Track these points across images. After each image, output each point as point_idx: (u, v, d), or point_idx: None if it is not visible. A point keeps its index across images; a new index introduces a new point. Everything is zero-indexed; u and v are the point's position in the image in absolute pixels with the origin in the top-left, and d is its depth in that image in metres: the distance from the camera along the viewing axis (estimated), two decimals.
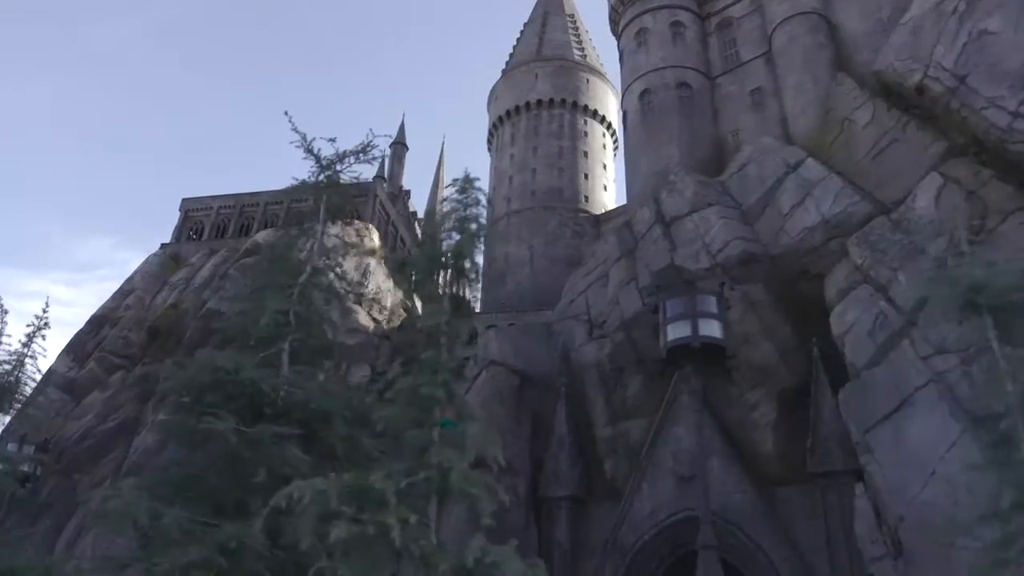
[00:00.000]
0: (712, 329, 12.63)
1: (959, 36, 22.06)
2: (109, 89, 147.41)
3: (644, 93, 31.34)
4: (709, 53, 32.00)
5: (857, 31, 28.18)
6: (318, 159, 11.29)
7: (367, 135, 11.42)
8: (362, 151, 11.44)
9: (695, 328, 12.36)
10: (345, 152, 11.31)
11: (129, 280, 40.39)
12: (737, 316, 23.23)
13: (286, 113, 10.57)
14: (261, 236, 38.52)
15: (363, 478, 5.68)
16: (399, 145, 58.73)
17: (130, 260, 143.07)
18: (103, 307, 39.11)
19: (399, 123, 61.98)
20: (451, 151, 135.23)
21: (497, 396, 25.39)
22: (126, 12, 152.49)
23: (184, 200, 44.78)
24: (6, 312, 16.80)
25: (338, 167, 11.56)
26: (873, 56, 27.00)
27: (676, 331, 13.31)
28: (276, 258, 11.56)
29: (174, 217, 43.93)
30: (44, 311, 17.49)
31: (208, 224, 43.48)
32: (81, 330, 38.19)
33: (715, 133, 30.02)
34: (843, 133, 25.07)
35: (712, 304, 12.63)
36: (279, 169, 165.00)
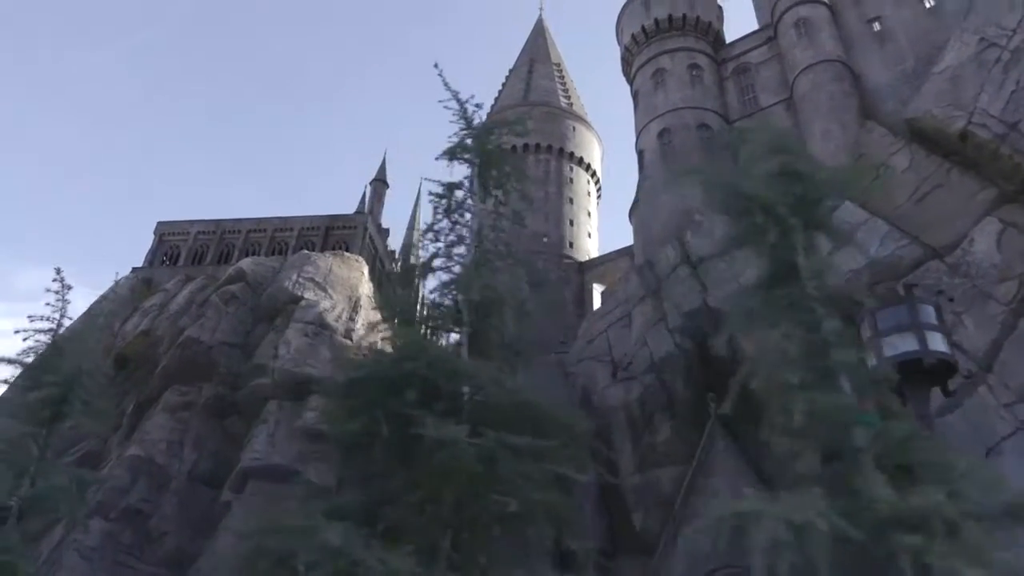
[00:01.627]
0: (939, 343, 10.98)
1: (1005, 85, 21.94)
2: (67, 116, 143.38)
3: (663, 132, 30.76)
4: (726, 97, 31.73)
5: (880, 81, 28.19)
6: (468, 122, 9.95)
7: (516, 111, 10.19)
8: (515, 122, 10.21)
9: (923, 341, 10.62)
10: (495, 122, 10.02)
11: (98, 303, 37.58)
12: (776, 358, 22.25)
13: (436, 65, 9.22)
14: (245, 263, 36.43)
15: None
16: (379, 182, 57.23)
17: (72, 295, 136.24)
18: (66, 331, 36.13)
19: (380, 159, 60.20)
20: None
21: None
22: (98, 41, 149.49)
23: (159, 223, 42.33)
24: None
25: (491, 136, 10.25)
26: (899, 105, 26.97)
27: (897, 345, 11.59)
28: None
29: (124, 249, 41.74)
30: None
31: (184, 249, 41.04)
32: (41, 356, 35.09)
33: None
34: (880, 178, 24.62)
35: (931, 315, 10.97)
36: (250, 201, 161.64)
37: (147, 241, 41.96)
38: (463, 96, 11.26)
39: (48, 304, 13.61)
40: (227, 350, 32.39)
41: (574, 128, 61.36)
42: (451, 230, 11.16)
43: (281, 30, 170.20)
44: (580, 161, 60.28)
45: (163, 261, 41.19)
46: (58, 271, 13.63)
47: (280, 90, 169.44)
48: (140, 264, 40.70)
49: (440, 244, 11.19)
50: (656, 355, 23.76)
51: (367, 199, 58.75)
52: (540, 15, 74.88)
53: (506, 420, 7.11)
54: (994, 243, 19.55)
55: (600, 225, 60.28)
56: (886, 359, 11.11)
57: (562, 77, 67.21)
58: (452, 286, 10.00)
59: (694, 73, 31.80)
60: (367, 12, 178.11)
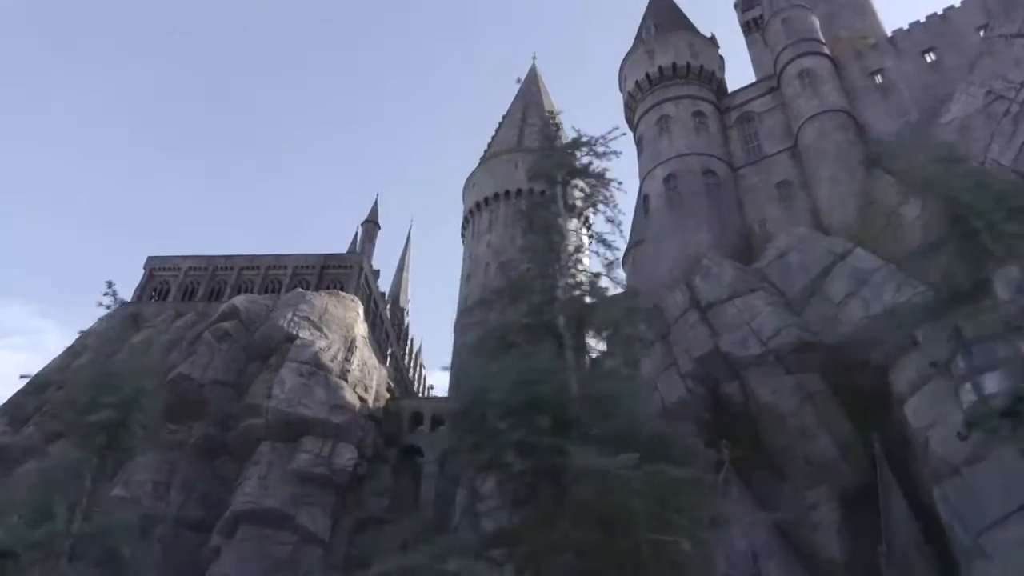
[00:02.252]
0: None
1: (1016, 136, 22.19)
2: (55, 149, 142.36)
3: (669, 178, 30.81)
4: (730, 145, 31.94)
5: (885, 131, 28.51)
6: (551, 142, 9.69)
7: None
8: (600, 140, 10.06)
9: None
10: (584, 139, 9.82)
11: (82, 338, 36.45)
12: (793, 408, 21.92)
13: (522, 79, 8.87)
14: (239, 300, 35.66)
15: None
16: (371, 224, 56.92)
17: (46, 329, 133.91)
18: (49, 367, 35.03)
19: (372, 202, 59.99)
20: (418, 235, 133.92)
21: None
22: (87, 75, 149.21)
23: (150, 258, 41.48)
24: None
25: (578, 154, 10.06)
26: (906, 155, 27.20)
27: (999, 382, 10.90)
28: None
29: (98, 286, 40.45)
30: None
31: (175, 285, 40.14)
32: (21, 391, 33.92)
33: (741, 222, 29.46)
34: (890, 225, 24.63)
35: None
36: (239, 239, 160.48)
37: (135, 276, 41.08)
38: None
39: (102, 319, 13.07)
40: (219, 388, 31.43)
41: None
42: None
43: (277, 70, 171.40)
44: (573, 207, 60.27)
45: (152, 296, 40.24)
46: (109, 284, 12.96)
47: (274, 129, 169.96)
48: (128, 299, 39.63)
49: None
50: (667, 401, 23.29)
51: (358, 240, 58.35)
52: (533, 63, 75.91)
53: (637, 449, 6.59)
54: (1015, 291, 19.41)
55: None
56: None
57: (556, 124, 67.67)
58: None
59: (698, 120, 32.04)
60: (362, 57, 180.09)
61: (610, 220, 13.34)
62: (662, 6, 38.36)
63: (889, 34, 31.90)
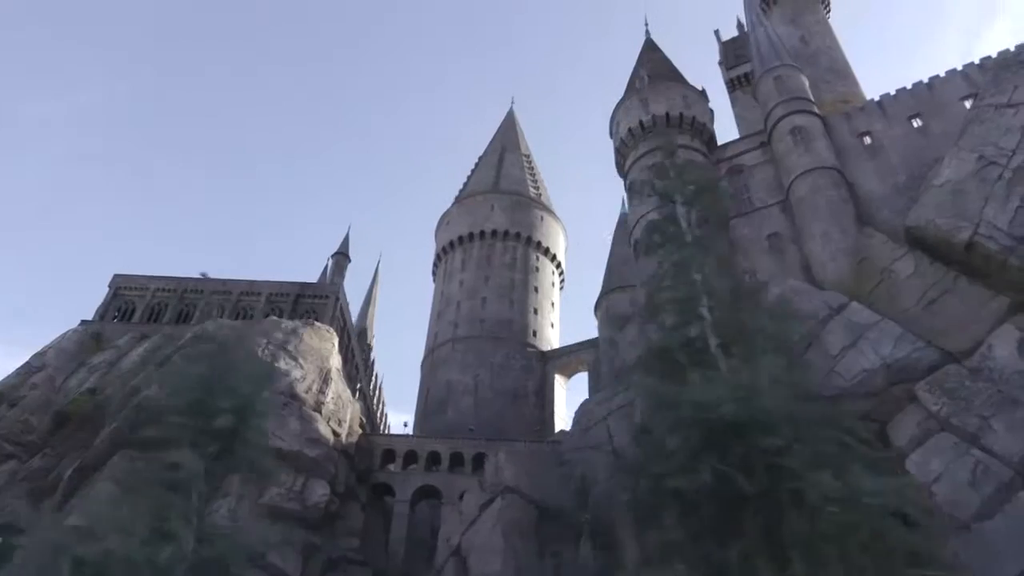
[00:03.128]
0: None
1: (1010, 200, 22.78)
2: (20, 166, 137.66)
3: None
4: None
5: (874, 191, 29.15)
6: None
7: None
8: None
9: None
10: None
11: (39, 355, 34.67)
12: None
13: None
14: (212, 325, 34.36)
15: None
16: (342, 256, 56.03)
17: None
18: (2, 383, 33.13)
19: (344, 234, 59.19)
20: (386, 270, 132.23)
21: (516, 529, 22.11)
22: (55, 93, 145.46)
23: (116, 276, 39.90)
24: None
25: None
26: (894, 215, 27.81)
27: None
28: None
29: (72, 302, 38.86)
30: None
31: (141, 306, 38.61)
32: None
33: (732, 271, 29.54)
34: (884, 282, 25.01)
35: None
36: (206, 263, 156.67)
37: (99, 294, 39.44)
38: None
39: None
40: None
41: (542, 218, 61.92)
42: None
43: (254, 94, 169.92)
44: (546, 251, 60.54)
45: (116, 316, 38.60)
46: (203, 275, 11.82)
47: (247, 155, 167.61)
48: (90, 318, 38.01)
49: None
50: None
51: (328, 271, 57.36)
52: (511, 107, 76.71)
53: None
54: (1015, 350, 19.73)
55: (562, 315, 60.15)
56: None
57: (531, 167, 68.31)
58: None
59: None
60: (342, 89, 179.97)
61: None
62: (654, 58, 39.11)
63: (874, 99, 32.80)
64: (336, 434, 31.98)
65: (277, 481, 28.04)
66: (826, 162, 29.79)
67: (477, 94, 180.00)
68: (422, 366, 54.85)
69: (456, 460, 34.60)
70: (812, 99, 33.18)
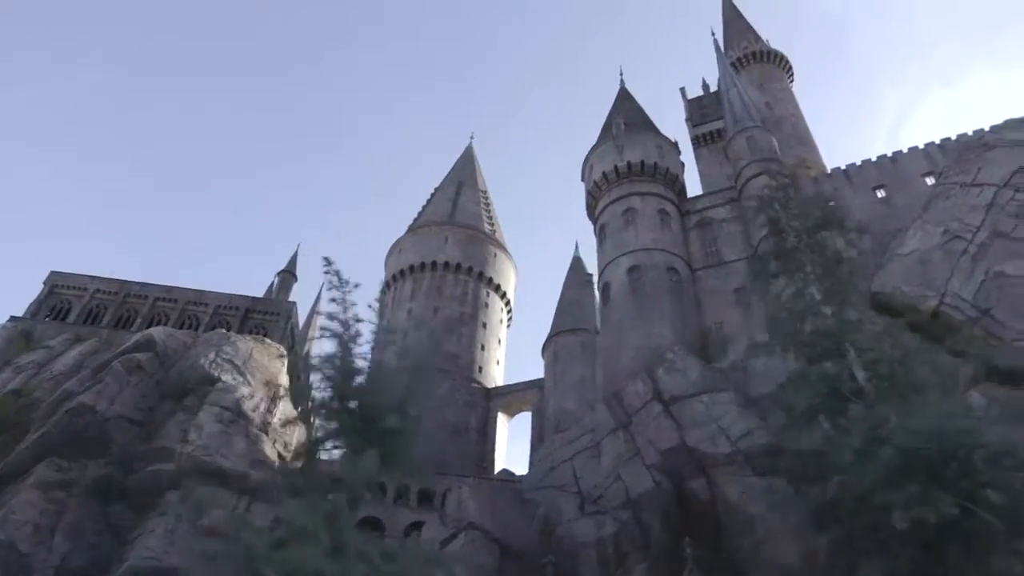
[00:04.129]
0: None
1: (975, 274, 23.79)
2: None
3: (633, 269, 31.13)
4: (690, 247, 32.80)
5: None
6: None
7: None
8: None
9: None
10: None
11: None
12: (763, 509, 21.74)
13: None
14: (157, 332, 32.62)
15: None
16: (288, 274, 54.43)
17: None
18: None
19: (293, 252, 57.69)
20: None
21: (479, 567, 21.32)
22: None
23: (52, 273, 37.57)
24: None
25: None
26: (859, 280, 28.69)
27: None
28: None
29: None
30: None
31: (78, 306, 36.36)
32: None
33: (699, 322, 29.98)
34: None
35: None
36: (147, 267, 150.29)
37: (32, 291, 37.07)
38: None
39: (333, 300, 10.73)
40: (125, 425, 28.13)
41: (495, 254, 61.79)
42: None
43: (212, 104, 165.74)
44: (497, 288, 60.32)
45: (49, 315, 36.30)
46: (327, 261, 10.81)
47: (200, 164, 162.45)
48: (20, 314, 35.65)
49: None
50: (633, 492, 22.61)
51: (274, 289, 55.67)
52: (470, 142, 76.97)
53: None
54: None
55: (507, 353, 59.83)
56: None
57: (487, 204, 68.36)
58: None
59: (663, 218, 32.89)
60: (301, 108, 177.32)
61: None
62: (629, 107, 39.87)
63: (840, 167, 34.09)
64: (282, 457, 30.51)
65: (219, 503, 26.53)
66: None
67: (435, 127, 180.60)
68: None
69: (401, 492, 33.46)
70: (781, 160, 34.26)
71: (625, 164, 34.88)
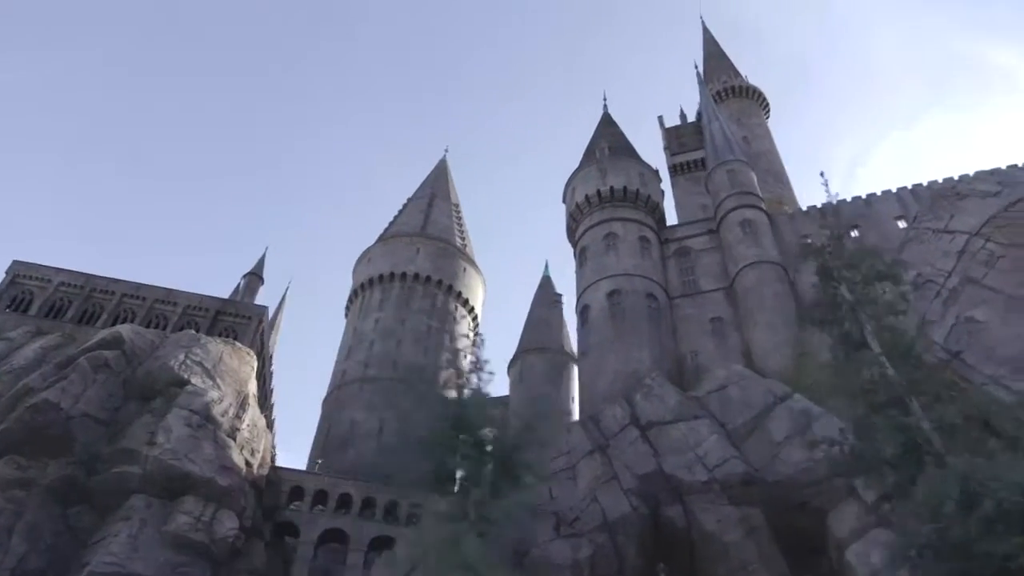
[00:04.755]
0: None
1: (946, 318, 24.63)
2: None
3: (613, 293, 31.49)
4: (668, 274, 33.30)
5: (811, 292, 30.78)
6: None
7: None
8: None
9: None
10: None
11: None
12: (737, 539, 22.10)
13: None
14: (125, 330, 31.83)
15: None
16: (254, 276, 53.96)
17: None
18: None
19: (261, 254, 57.07)
20: (293, 297, 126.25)
21: None
22: None
23: (15, 263, 36.37)
24: None
25: None
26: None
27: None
28: None
29: None
30: None
31: (41, 298, 35.24)
32: None
33: (675, 349, 30.39)
34: (823, 377, 26.23)
35: None
36: (108, 261, 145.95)
37: None
38: None
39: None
40: (90, 425, 27.33)
41: (465, 269, 61.74)
42: None
43: (188, 97, 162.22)
44: (465, 302, 60.21)
45: (9, 306, 35.16)
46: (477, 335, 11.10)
47: (171, 160, 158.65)
48: None
49: None
50: (610, 515, 22.75)
51: (240, 290, 54.88)
52: (445, 155, 76.95)
53: None
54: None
55: None
56: None
57: (459, 218, 68.36)
58: None
59: (643, 245, 33.35)
60: (276, 110, 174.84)
61: None
62: (613, 132, 40.41)
63: (816, 205, 34.98)
64: (248, 464, 30.00)
65: (185, 508, 25.97)
66: (773, 257, 31.40)
67: (409, 138, 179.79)
68: (324, 402, 52.73)
69: (367, 505, 33.11)
70: (760, 195, 35.08)
71: (608, 189, 35.32)
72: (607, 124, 42.02)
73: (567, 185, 38.07)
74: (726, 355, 29.45)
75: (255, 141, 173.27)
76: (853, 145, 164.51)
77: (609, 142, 38.83)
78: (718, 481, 22.91)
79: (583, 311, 32.68)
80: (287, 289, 72.00)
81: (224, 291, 54.97)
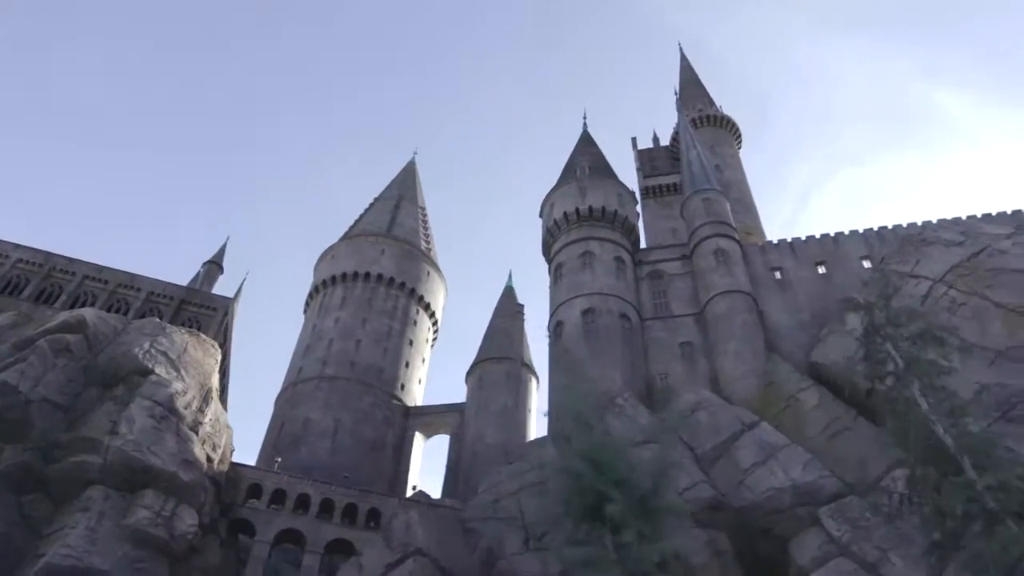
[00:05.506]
0: None
1: None
2: None
3: (588, 312, 31.91)
4: (641, 296, 33.87)
5: (781, 323, 31.77)
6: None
7: None
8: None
9: None
10: None
11: None
12: (703, 561, 22.60)
13: None
14: (88, 313, 30.91)
15: None
16: (214, 265, 52.93)
17: None
18: None
19: (222, 243, 56.05)
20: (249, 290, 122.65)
21: None
22: None
23: None
24: None
25: None
26: (796, 349, 30.39)
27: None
28: None
29: None
30: None
31: None
32: None
33: (646, 370, 30.93)
34: (789, 408, 27.10)
35: None
36: (61, 238, 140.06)
37: None
38: None
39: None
40: (49, 410, 26.51)
41: (428, 273, 61.52)
42: None
43: (157, 80, 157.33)
44: (427, 307, 60.00)
45: None
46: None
47: (132, 142, 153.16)
48: None
49: None
50: None
51: (199, 279, 53.63)
52: (413, 157, 76.65)
53: None
54: (908, 494, 21.96)
55: (429, 374, 59.55)
56: None
57: (425, 221, 68.20)
58: None
59: (618, 266, 33.90)
60: (248, 98, 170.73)
61: None
62: (592, 151, 40.98)
63: (786, 239, 36.11)
64: (209, 459, 29.42)
65: (145, 502, 25.34)
66: (744, 287, 32.25)
67: (378, 137, 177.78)
68: (278, 399, 51.90)
69: (326, 507, 32.73)
70: (734, 226, 36.01)
71: (587, 208, 35.84)
72: (587, 143, 42.60)
73: (545, 200, 38.46)
74: (694, 379, 30.11)
75: (224, 127, 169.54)
76: (807, 177, 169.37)
77: (589, 161, 39.39)
78: (688, 503, 23.36)
79: (557, 327, 33.01)
80: (243, 281, 70.89)
81: (183, 278, 53.76)
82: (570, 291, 33.15)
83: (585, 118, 44.30)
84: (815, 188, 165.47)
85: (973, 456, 12.64)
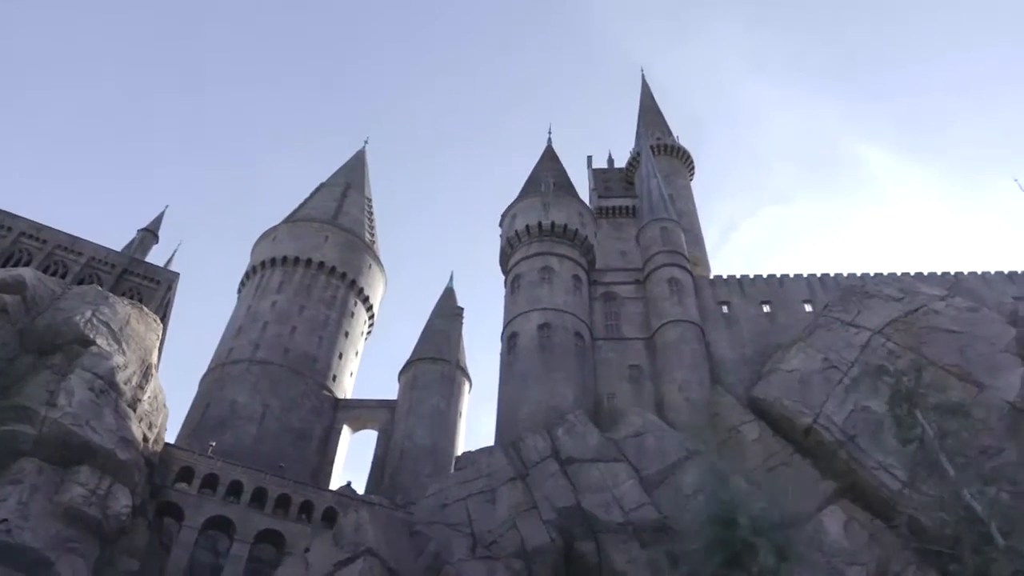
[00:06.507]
0: None
1: (846, 403, 27.27)
2: None
3: (544, 326, 32.40)
4: (594, 315, 34.65)
5: (726, 356, 33.08)
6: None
7: None
8: None
9: None
10: None
11: None
12: None
13: None
14: (28, 274, 29.41)
15: None
16: (150, 233, 50.91)
17: None
18: None
19: (160, 212, 54.02)
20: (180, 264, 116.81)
21: None
22: None
23: None
24: None
25: None
26: (738, 383, 31.73)
27: None
28: None
29: None
30: None
31: None
32: None
33: (595, 389, 31.66)
34: (732, 439, 28.28)
35: None
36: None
37: None
38: None
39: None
40: None
41: (370, 265, 60.88)
42: None
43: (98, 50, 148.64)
44: (366, 299, 59.39)
45: None
46: None
47: (74, 97, 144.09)
48: None
49: None
50: (529, 543, 23.44)
51: (133, 246, 51.48)
52: (364, 147, 75.62)
53: None
54: (842, 530, 23.38)
55: (361, 368, 58.87)
56: None
57: (371, 213, 67.47)
58: None
59: (575, 283, 34.57)
60: (195, 71, 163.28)
61: None
62: (556, 168, 41.60)
63: (735, 276, 37.59)
64: (146, 439, 28.48)
65: (80, 479, 24.36)
66: (694, 318, 33.45)
67: (329, 121, 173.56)
68: (204, 379, 50.38)
69: (258, 495, 32.08)
70: (688, 257, 37.25)
71: (549, 223, 36.40)
72: (551, 158, 43.22)
73: (507, 211, 38.81)
74: (641, 402, 31.02)
75: (176, 99, 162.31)
76: (730, 211, 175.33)
77: (554, 177, 39.99)
78: (632, 524, 24.16)
79: (511, 338, 33.38)
80: (175, 251, 68.33)
81: (115, 243, 51.41)
82: (528, 304, 33.60)
83: (550, 133, 44.90)
84: (740, 221, 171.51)
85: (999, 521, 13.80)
